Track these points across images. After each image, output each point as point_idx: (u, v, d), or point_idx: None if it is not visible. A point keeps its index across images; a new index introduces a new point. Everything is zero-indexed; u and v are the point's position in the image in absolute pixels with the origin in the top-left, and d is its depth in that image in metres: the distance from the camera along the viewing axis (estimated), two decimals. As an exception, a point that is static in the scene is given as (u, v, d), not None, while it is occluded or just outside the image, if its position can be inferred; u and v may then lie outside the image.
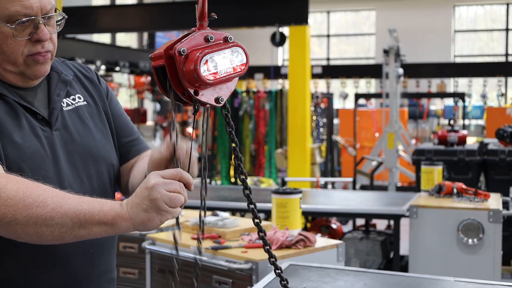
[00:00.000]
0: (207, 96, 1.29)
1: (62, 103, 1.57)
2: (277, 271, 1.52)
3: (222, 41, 1.30)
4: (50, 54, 1.52)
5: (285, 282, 1.55)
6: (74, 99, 1.60)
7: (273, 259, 1.49)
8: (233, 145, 1.37)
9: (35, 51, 1.47)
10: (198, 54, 1.25)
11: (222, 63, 1.28)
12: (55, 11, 1.50)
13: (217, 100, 1.30)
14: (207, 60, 1.25)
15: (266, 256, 1.50)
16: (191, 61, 1.25)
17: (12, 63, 1.47)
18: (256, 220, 1.45)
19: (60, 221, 1.28)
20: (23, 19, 1.43)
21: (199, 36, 1.28)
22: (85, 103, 1.62)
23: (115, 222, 1.29)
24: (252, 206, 1.43)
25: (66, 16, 1.54)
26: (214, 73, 1.27)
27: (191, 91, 1.27)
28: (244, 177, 1.40)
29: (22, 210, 1.28)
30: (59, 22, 1.53)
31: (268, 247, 1.47)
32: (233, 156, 1.38)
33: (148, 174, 1.30)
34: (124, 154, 1.69)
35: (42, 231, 1.29)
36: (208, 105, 1.30)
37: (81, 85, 1.65)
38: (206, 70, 1.25)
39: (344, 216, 6.32)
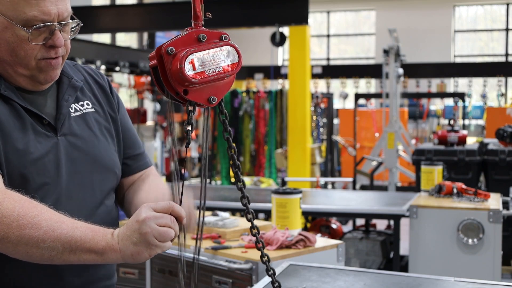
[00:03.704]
0: (197, 96, 1.27)
1: (70, 109, 1.56)
2: (269, 272, 1.49)
3: (216, 41, 1.28)
4: (62, 59, 1.51)
5: (278, 284, 1.52)
6: (82, 105, 1.59)
7: (266, 259, 1.46)
8: (232, 152, 1.35)
9: (47, 56, 1.47)
10: (183, 53, 1.24)
11: (209, 62, 1.26)
12: (71, 18, 1.50)
13: (208, 100, 1.28)
14: (192, 59, 1.24)
15: (266, 256, 1.48)
16: (177, 60, 1.24)
17: (24, 66, 1.46)
18: (254, 231, 1.43)
19: (51, 245, 1.30)
20: (40, 24, 1.43)
21: (190, 35, 1.27)
22: (93, 110, 1.60)
23: (105, 252, 1.31)
24: (250, 216, 1.41)
25: (82, 24, 1.53)
26: (200, 73, 1.25)
27: (180, 90, 1.26)
28: (242, 185, 1.38)
29: (15, 230, 1.29)
30: (74, 29, 1.53)
31: (260, 244, 1.45)
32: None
33: (140, 207, 1.31)
34: (126, 167, 1.68)
35: (32, 252, 1.31)
36: (203, 106, 1.29)
37: (91, 91, 1.64)
38: (191, 69, 1.24)
39: (344, 216, 6.32)
